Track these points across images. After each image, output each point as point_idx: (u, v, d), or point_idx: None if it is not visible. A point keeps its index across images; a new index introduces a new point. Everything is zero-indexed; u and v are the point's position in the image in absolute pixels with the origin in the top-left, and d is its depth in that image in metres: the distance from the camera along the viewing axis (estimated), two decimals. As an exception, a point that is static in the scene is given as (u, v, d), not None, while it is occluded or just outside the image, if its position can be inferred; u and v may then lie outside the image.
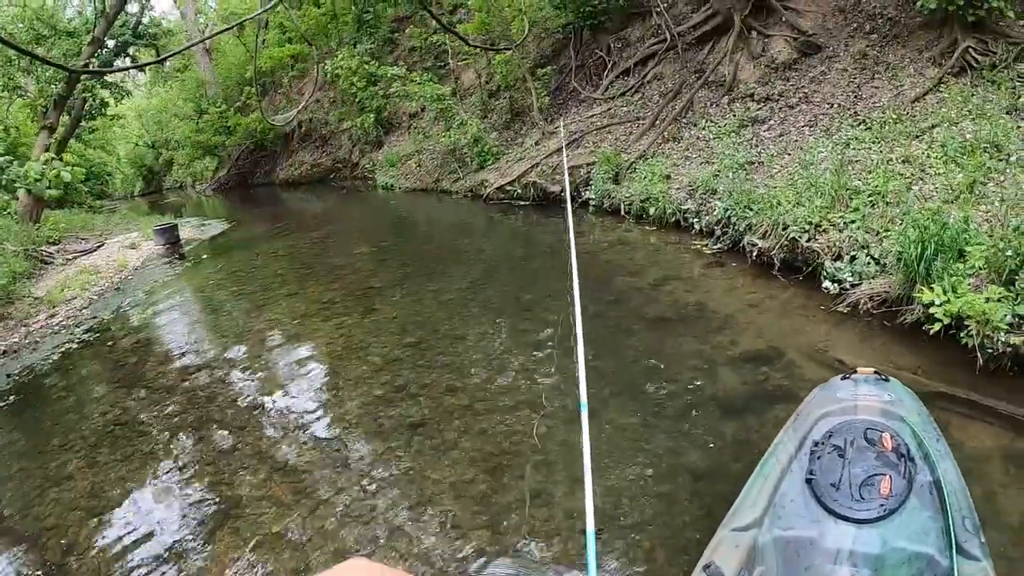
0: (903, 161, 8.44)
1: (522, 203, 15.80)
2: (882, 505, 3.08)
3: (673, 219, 11.00)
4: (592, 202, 13.43)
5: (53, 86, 19.47)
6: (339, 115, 28.67)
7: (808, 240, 7.78)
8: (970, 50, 9.73)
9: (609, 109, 16.01)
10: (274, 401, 7.07)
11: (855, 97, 10.78)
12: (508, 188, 16.20)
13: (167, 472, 6.09)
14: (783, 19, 13.10)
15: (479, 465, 5.24)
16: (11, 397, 8.51)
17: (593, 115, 16.24)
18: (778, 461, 3.56)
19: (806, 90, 11.81)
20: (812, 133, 10.59)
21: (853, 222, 7.58)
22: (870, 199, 7.82)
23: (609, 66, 17.29)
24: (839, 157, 8.89)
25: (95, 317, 11.76)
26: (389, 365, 7.43)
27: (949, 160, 8.12)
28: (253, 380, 7.79)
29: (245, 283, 13.00)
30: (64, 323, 11.58)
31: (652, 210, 11.42)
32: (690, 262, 9.37)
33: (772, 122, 11.62)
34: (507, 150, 18.11)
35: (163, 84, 42.60)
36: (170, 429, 6.90)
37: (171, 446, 6.58)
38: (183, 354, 9.00)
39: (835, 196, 8.01)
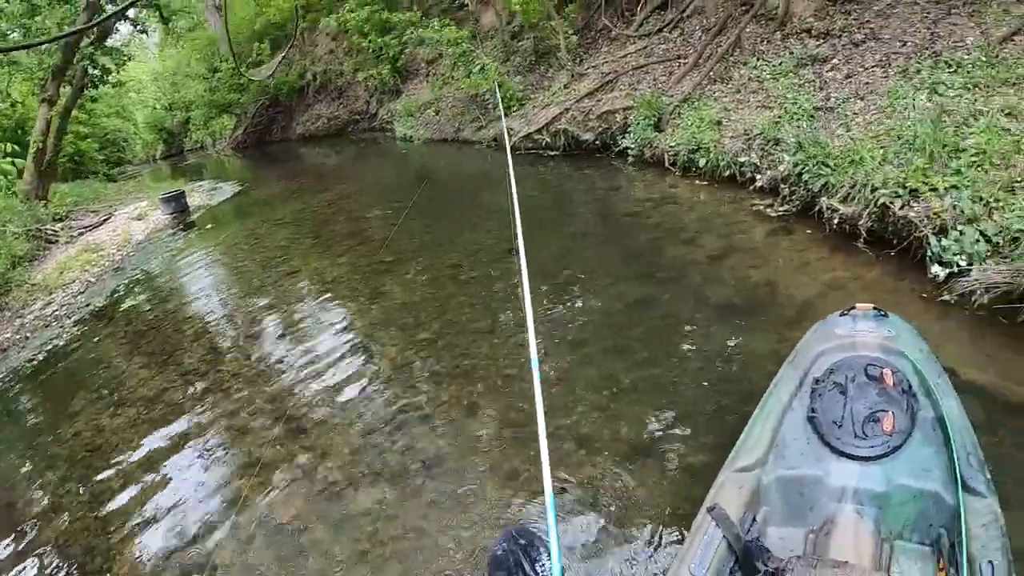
0: (1006, 114, 7.15)
1: (552, 153, 14.53)
2: (885, 442, 3.07)
3: (727, 172, 9.74)
4: (631, 152, 12.12)
5: (50, 57, 18.50)
6: (354, 65, 27.56)
7: (902, 207, 6.57)
8: (1065, -14, 8.43)
9: (645, 47, 14.70)
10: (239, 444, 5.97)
11: (931, 35, 9.42)
12: (536, 137, 14.93)
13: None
14: (842, -56, 11.71)
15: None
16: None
17: (627, 54, 14.92)
18: (779, 400, 3.52)
19: (872, 25, 10.44)
20: (886, 74, 9.29)
21: (955, 187, 6.38)
22: (974, 159, 6.59)
23: (642, 0, 15.91)
24: (933, 105, 7.59)
25: (88, 305, 11.07)
26: (397, 373, 6.32)
27: (1060, 117, 6.84)
28: (220, 404, 6.69)
29: (245, 258, 12.13)
30: (58, 312, 10.94)
31: (702, 161, 10.17)
32: (752, 227, 8.14)
33: (836, 61, 10.30)
34: (533, 95, 16.76)
35: (175, 45, 41.46)
36: (142, 459, 6.00)
37: (144, 477, 5.70)
38: (160, 361, 7.99)
39: (932, 154, 6.78)
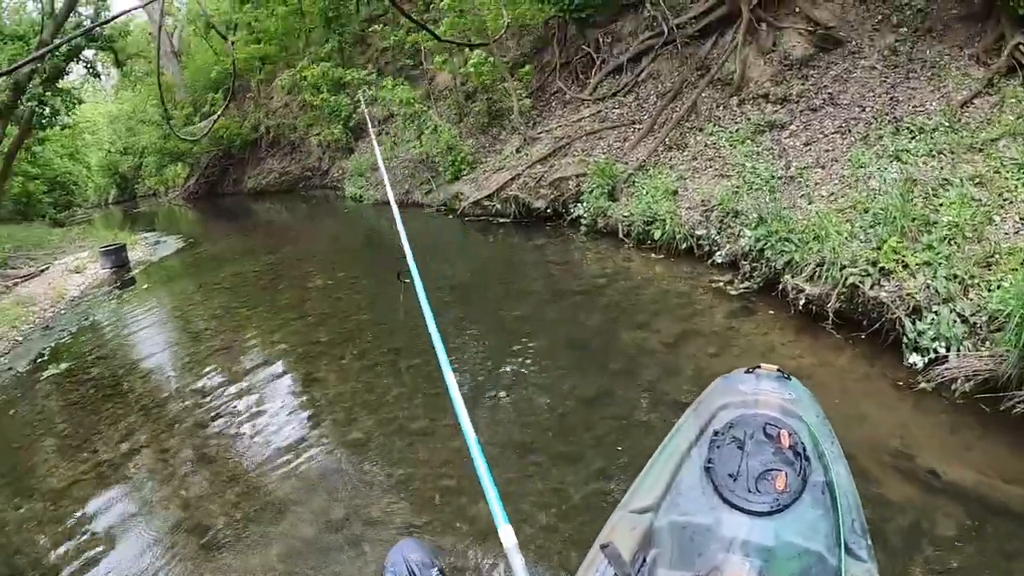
0: (975, 183, 6.74)
1: (502, 220, 13.94)
2: (776, 499, 3.14)
3: (684, 245, 9.21)
4: (584, 221, 11.56)
5: None
6: (307, 120, 27.05)
7: (872, 287, 6.04)
8: (1020, 47, 8.12)
9: (599, 111, 14.29)
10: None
11: (891, 99, 9.10)
12: (486, 203, 14.40)
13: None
14: (796, 9, 11.41)
15: None
16: None
17: (581, 119, 14.50)
18: (678, 447, 3.60)
19: (830, 90, 10.11)
20: (846, 141, 8.90)
21: (928, 264, 5.89)
22: (946, 233, 6.11)
23: (597, 63, 15.56)
24: (899, 175, 7.16)
25: (10, 368, 10.14)
26: (323, 483, 5.48)
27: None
28: (132, 505, 5.78)
29: (177, 328, 11.39)
30: None
31: (658, 234, 9.60)
32: (711, 307, 7.56)
33: (794, 127, 9.93)
34: (484, 158, 16.27)
35: (132, 89, 41.21)
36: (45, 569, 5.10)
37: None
38: (74, 446, 7.03)
39: (902, 228, 6.29)
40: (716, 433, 3.56)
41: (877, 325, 5.96)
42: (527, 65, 17.01)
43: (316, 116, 25.94)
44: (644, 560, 3.06)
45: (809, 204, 7.84)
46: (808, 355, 6.09)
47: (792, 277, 6.89)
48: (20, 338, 11.65)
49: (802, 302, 6.63)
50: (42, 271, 16.96)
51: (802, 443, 3.38)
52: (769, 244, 7.42)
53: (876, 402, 5.27)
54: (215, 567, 4.70)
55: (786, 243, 7.23)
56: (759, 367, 4.08)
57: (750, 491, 3.21)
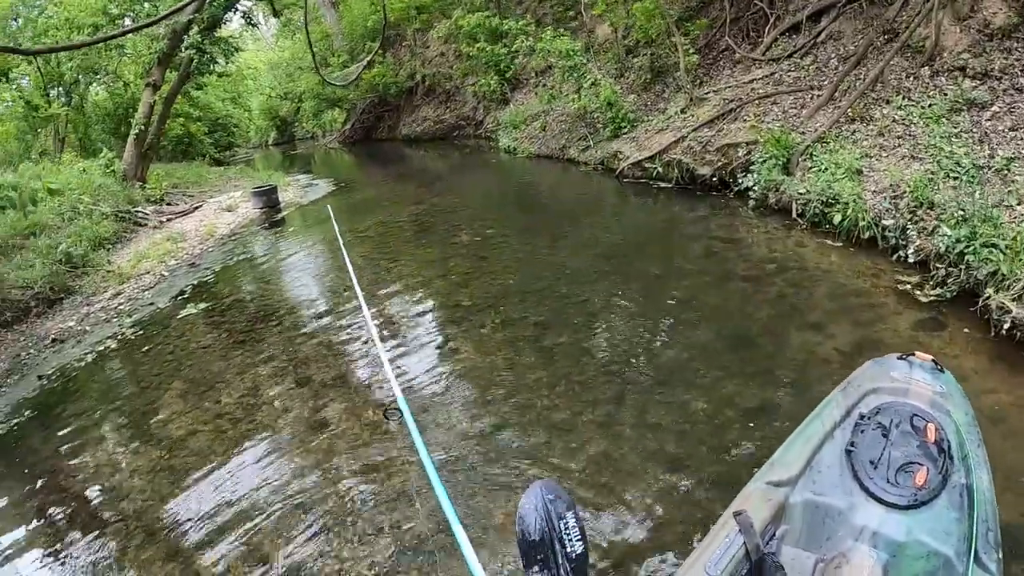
0: None
1: (662, 184, 13.43)
2: (914, 494, 3.07)
3: (867, 235, 8.41)
4: (752, 194, 10.84)
5: (157, 43, 18.81)
6: (463, 70, 27.19)
7: (1092, 318, 5.30)
8: None
9: (773, 74, 13.44)
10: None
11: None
12: (646, 165, 13.87)
13: None
14: (1001, -32, 10.22)
15: None
16: (15, 418, 7.43)
17: (753, 80, 13.70)
18: (822, 425, 3.57)
19: (1037, 68, 9.02)
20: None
21: None
22: None
23: (772, 20, 14.66)
24: None
25: (152, 304, 10.69)
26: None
27: None
28: (244, 462, 5.81)
29: (316, 276, 11.74)
30: (121, 307, 10.69)
31: (837, 218, 8.80)
32: (895, 313, 6.82)
33: (996, 108, 8.89)
34: (646, 117, 15.70)
35: (291, 37, 43.66)
36: (151, 518, 5.24)
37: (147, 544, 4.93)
38: (199, 393, 7.23)
39: None
40: (862, 417, 3.52)
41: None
42: (695, 19, 16.21)
43: (472, 66, 26.01)
44: (774, 534, 3.09)
45: (1018, 204, 7.00)
46: (1004, 391, 5.35)
47: (997, 292, 6.10)
48: (166, 273, 12.35)
49: (1006, 325, 5.86)
50: (196, 208, 18.03)
51: (948, 440, 3.28)
52: (972, 248, 6.59)
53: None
54: (317, 551, 4.57)
55: (992, 250, 6.43)
56: (913, 354, 3.99)
57: (888, 481, 3.16)
